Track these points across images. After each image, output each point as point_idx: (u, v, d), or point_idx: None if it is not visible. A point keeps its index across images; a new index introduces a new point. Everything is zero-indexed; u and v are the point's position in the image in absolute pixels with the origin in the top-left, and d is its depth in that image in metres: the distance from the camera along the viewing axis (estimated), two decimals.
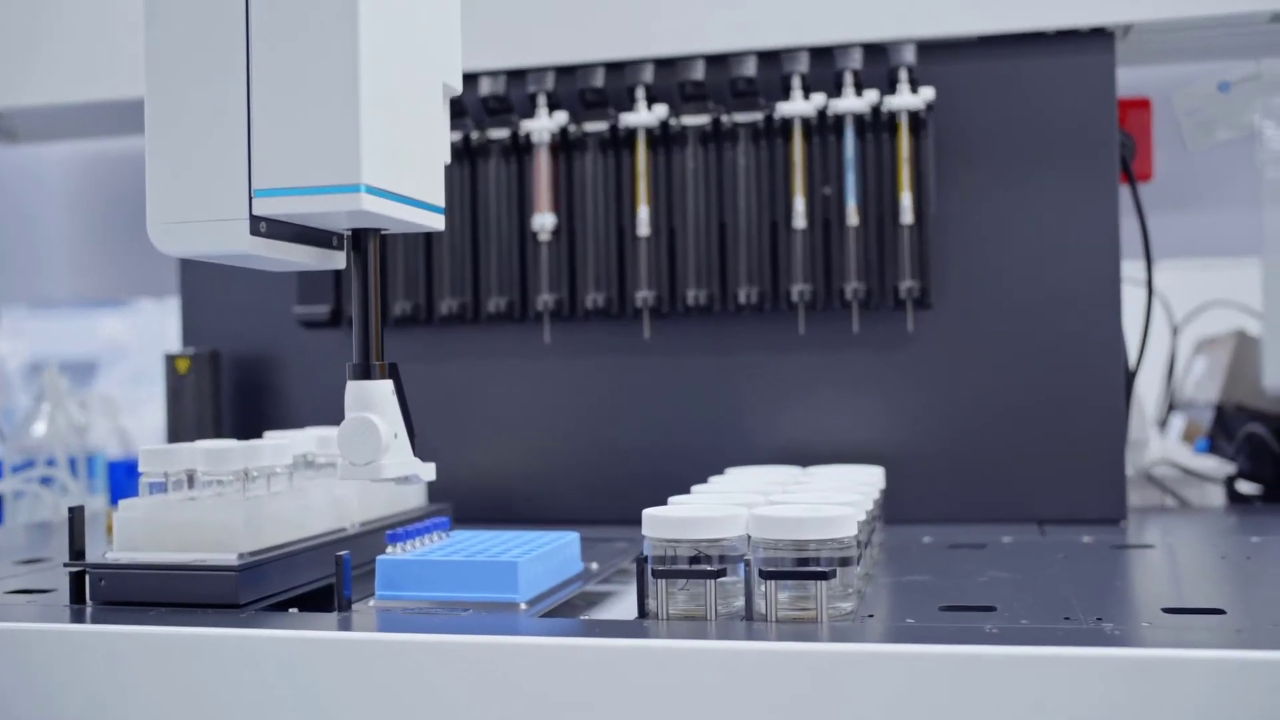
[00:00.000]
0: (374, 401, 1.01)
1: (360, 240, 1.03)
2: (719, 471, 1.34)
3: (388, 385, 1.03)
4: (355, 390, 1.02)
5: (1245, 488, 1.80)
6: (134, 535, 1.07)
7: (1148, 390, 2.07)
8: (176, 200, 0.96)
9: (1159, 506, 1.75)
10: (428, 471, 1.05)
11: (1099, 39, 1.48)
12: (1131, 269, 1.56)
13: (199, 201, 0.96)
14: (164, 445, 1.11)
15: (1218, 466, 1.81)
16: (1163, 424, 2.19)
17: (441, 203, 1.07)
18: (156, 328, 3.24)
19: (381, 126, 0.96)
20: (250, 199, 0.96)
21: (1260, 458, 1.82)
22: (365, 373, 1.02)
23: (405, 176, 1.00)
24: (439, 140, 1.07)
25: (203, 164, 0.96)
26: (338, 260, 1.07)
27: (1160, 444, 1.96)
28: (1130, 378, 1.60)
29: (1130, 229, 1.56)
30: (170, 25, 0.97)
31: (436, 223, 1.07)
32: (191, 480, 1.12)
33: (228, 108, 0.96)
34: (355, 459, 1.00)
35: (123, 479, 1.92)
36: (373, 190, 0.95)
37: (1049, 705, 0.80)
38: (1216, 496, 1.79)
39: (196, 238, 0.96)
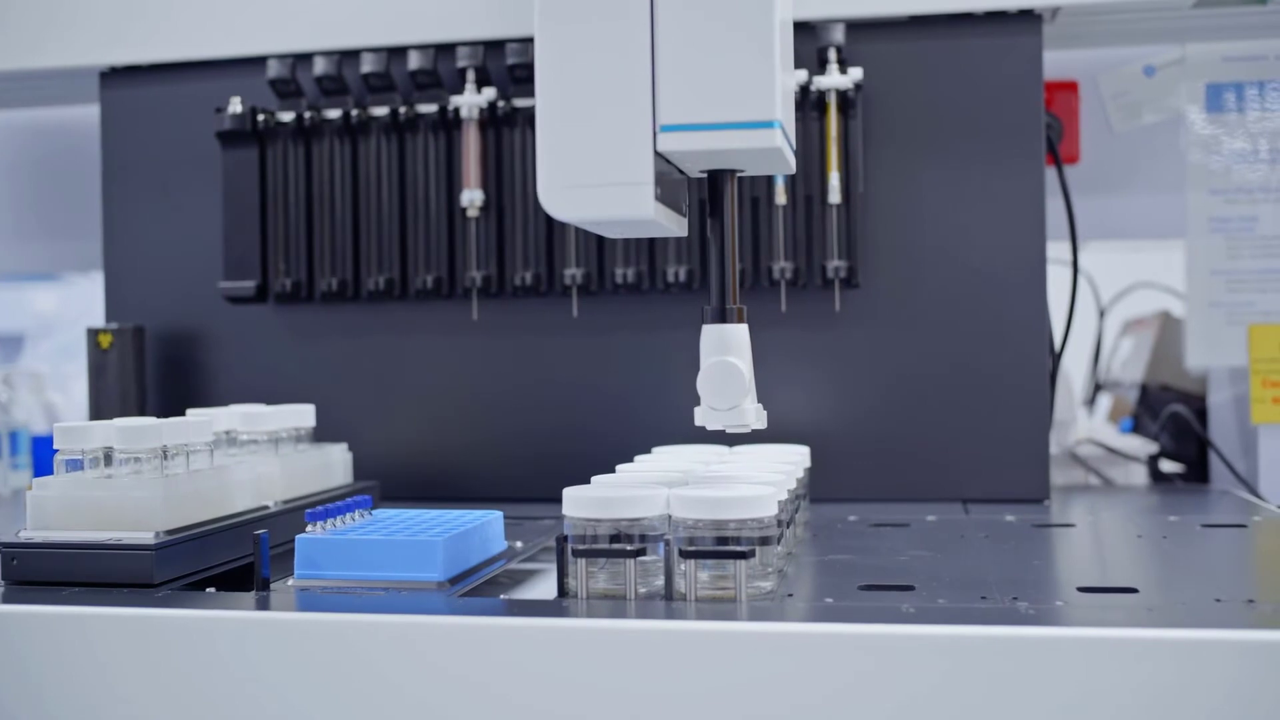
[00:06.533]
0: (733, 345, 0.98)
1: (718, 183, 0.99)
2: (646, 450, 1.34)
3: (745, 330, 0.99)
4: (714, 334, 0.98)
5: (1168, 466, 1.83)
6: (48, 514, 1.05)
7: (1075, 370, 2.09)
8: (574, 163, 0.92)
9: (1083, 485, 1.77)
10: (762, 419, 1.01)
11: (1027, 21, 1.49)
12: (1057, 250, 1.57)
13: (600, 165, 0.91)
14: (80, 422, 1.10)
15: (1141, 446, 1.83)
16: (1090, 404, 2.21)
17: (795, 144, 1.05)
18: (86, 302, 3.19)
19: (780, 64, 0.93)
20: (654, 156, 0.91)
21: (1182, 437, 1.84)
22: (723, 316, 0.99)
23: (786, 116, 0.97)
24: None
25: (603, 122, 0.91)
26: (684, 227, 1.05)
27: (1087, 424, 1.98)
28: (1055, 358, 1.61)
29: (1056, 210, 1.57)
30: None
31: (792, 166, 1.04)
32: (109, 458, 1.10)
33: (630, 54, 0.91)
34: (718, 403, 0.97)
35: (48, 455, 1.89)
36: (781, 127, 0.92)
37: (964, 683, 0.81)
38: (1140, 475, 1.81)
39: (596, 202, 0.92)
